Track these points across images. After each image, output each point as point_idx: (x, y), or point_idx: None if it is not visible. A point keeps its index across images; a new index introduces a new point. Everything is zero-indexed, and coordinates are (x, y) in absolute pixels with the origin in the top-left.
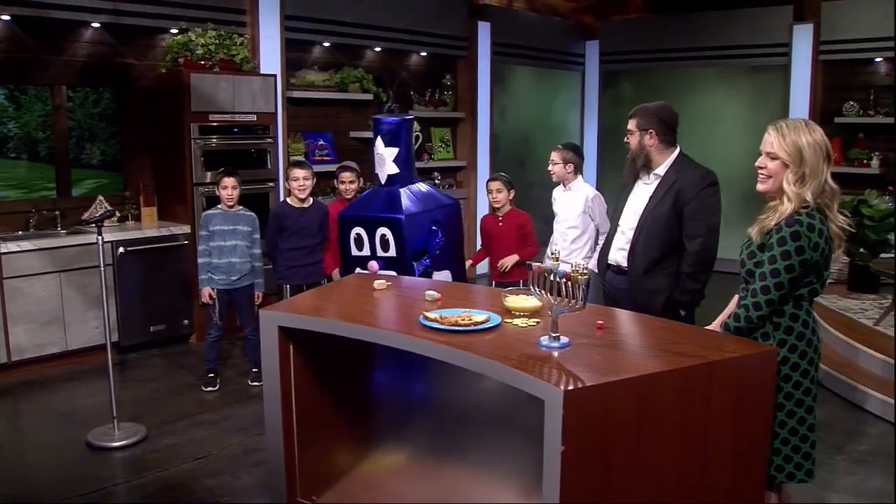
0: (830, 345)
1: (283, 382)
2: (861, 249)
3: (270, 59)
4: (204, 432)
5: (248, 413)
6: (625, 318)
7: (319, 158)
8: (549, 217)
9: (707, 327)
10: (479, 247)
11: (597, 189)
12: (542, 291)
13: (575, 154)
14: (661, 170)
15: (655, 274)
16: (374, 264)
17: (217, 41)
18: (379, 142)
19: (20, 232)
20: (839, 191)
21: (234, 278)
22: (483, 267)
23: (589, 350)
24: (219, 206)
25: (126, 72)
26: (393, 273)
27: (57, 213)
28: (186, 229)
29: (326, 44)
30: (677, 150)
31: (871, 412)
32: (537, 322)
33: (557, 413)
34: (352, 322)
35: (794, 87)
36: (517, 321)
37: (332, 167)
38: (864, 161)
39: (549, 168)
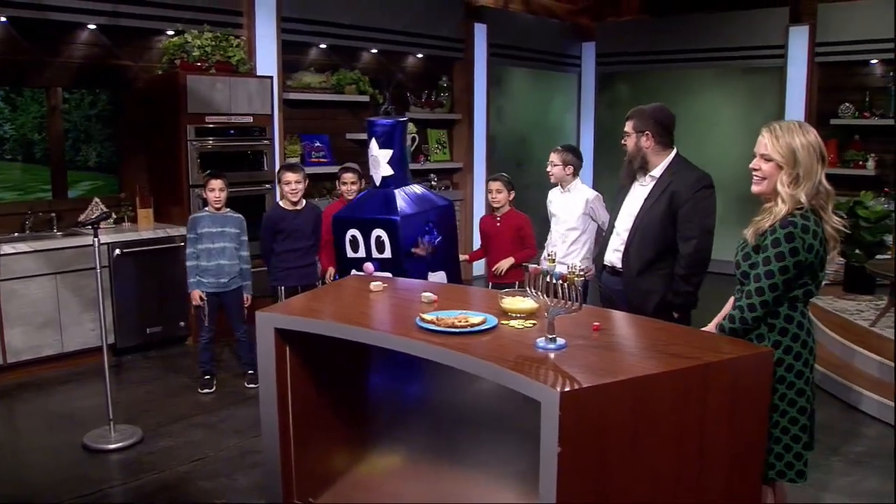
0: (826, 346)
1: (280, 384)
2: (857, 251)
3: (267, 60)
4: (200, 434)
5: (244, 415)
6: (621, 320)
7: (316, 160)
8: (545, 218)
9: (703, 329)
10: (476, 247)
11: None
12: (539, 293)
13: (574, 156)
14: (657, 171)
15: (649, 275)
16: (369, 266)
17: (213, 43)
18: (373, 144)
19: (16, 234)
20: (834, 192)
21: (223, 280)
22: (479, 268)
23: (585, 351)
24: (206, 208)
25: (122, 73)
26: (388, 275)
27: (53, 214)
28: (183, 231)
29: (323, 46)
30: (674, 152)
31: (867, 413)
32: (534, 324)
33: (554, 414)
34: (348, 324)
35: (790, 89)
36: (514, 323)
37: (329, 169)
38: (860, 163)
39: (549, 169)
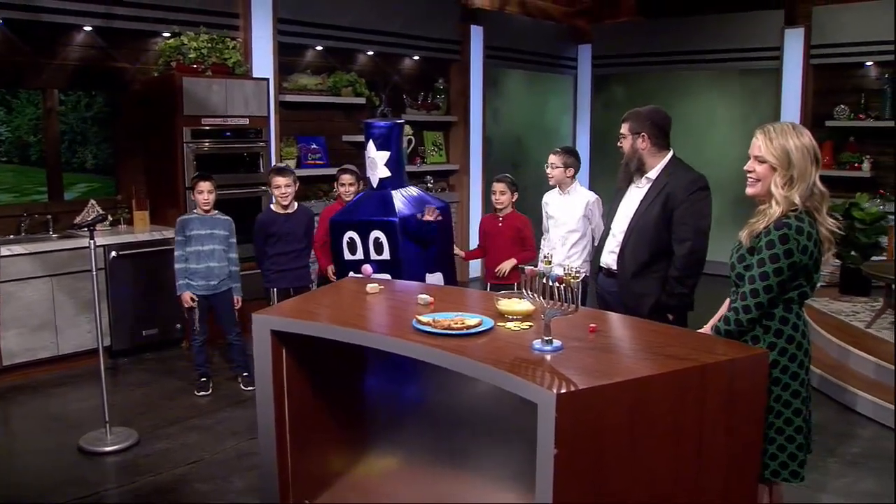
0: (822, 347)
1: (276, 386)
2: (852, 252)
3: (263, 62)
4: (196, 436)
5: (240, 417)
6: (617, 322)
7: (312, 162)
8: (539, 220)
9: (699, 330)
10: (473, 248)
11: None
12: (535, 295)
13: (574, 158)
14: (653, 173)
15: (644, 277)
16: (367, 268)
17: (210, 45)
18: (370, 145)
19: (12, 236)
20: (828, 194)
21: (213, 283)
22: (476, 269)
23: (581, 353)
24: (195, 210)
25: (118, 75)
26: (387, 276)
27: (49, 217)
28: None
29: (319, 47)
30: (670, 154)
31: (863, 414)
32: (530, 325)
33: (550, 416)
34: (345, 326)
35: (786, 91)
36: (510, 324)
37: (325, 171)
38: (856, 164)
39: (549, 171)
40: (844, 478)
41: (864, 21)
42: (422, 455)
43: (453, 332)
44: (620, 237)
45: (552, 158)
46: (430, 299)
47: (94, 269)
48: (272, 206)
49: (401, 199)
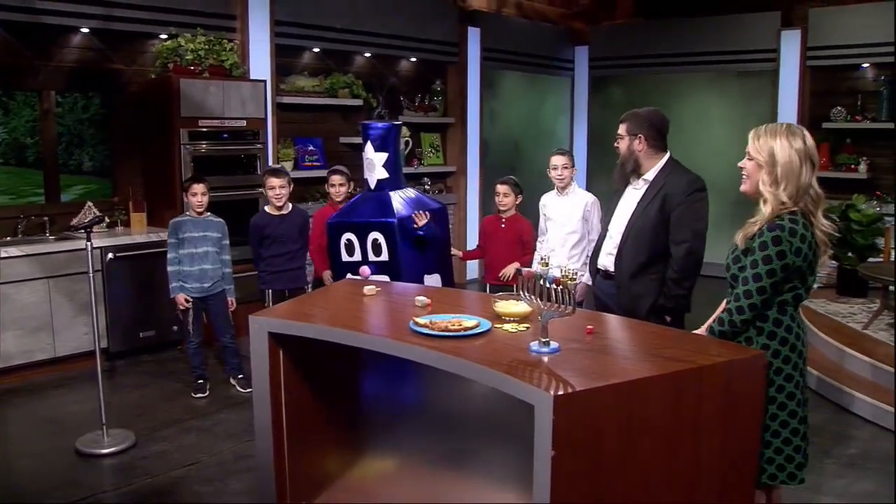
0: (819, 349)
1: (273, 388)
2: (849, 254)
3: (260, 64)
4: (194, 438)
5: (237, 419)
6: (614, 323)
7: (309, 164)
8: (535, 222)
9: (695, 331)
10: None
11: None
12: (532, 296)
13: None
14: (650, 175)
15: (642, 279)
16: (365, 269)
17: (207, 47)
18: (368, 147)
19: (8, 238)
20: (824, 196)
21: (206, 285)
22: (473, 271)
23: (579, 355)
24: (187, 212)
25: (115, 77)
26: (385, 278)
27: (45, 219)
28: None
29: (316, 49)
30: (667, 156)
31: (860, 415)
32: (527, 327)
33: (547, 418)
34: (342, 328)
35: (783, 93)
36: (507, 326)
37: (322, 173)
38: (852, 166)
39: (559, 173)
40: (842, 479)
41: (861, 23)
42: (419, 457)
43: (450, 333)
44: (618, 239)
45: (562, 160)
46: (428, 301)
47: (90, 271)
48: (266, 208)
49: (399, 200)
